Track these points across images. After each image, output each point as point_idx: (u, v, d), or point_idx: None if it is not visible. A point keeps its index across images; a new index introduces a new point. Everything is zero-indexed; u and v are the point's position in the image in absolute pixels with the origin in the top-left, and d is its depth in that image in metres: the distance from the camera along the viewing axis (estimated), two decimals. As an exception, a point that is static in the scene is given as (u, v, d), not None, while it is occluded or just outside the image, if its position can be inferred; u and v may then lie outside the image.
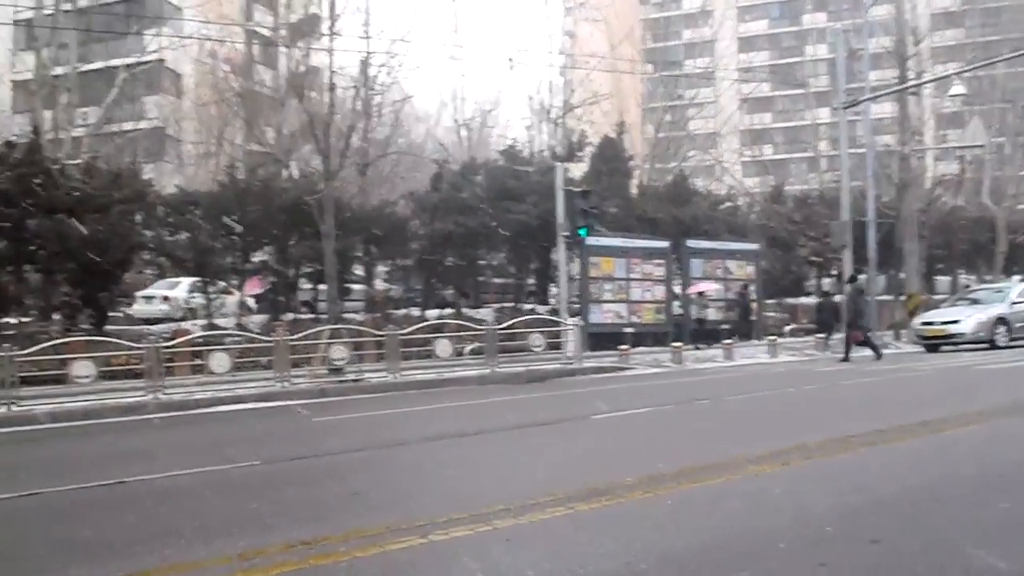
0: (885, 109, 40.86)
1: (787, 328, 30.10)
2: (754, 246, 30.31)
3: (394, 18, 48.21)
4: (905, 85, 29.82)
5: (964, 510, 5.43)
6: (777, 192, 38.46)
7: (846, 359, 19.99)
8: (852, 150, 29.98)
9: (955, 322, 22.18)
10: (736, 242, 30.11)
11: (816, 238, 32.48)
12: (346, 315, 24.70)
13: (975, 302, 23.48)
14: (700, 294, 26.79)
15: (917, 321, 23.99)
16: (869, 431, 8.31)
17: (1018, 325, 22.11)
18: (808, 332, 28.04)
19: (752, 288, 28.99)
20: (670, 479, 6.35)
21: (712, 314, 28.00)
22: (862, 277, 24.55)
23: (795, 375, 16.61)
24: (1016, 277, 31.33)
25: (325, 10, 25.89)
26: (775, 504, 5.64)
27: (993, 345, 21.42)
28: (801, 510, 5.45)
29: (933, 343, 22.47)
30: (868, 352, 20.34)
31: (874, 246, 27.83)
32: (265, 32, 34.16)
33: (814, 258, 33.89)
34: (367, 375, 17.28)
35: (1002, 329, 21.86)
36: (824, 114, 53.85)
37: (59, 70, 28.00)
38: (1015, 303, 22.48)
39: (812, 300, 31.81)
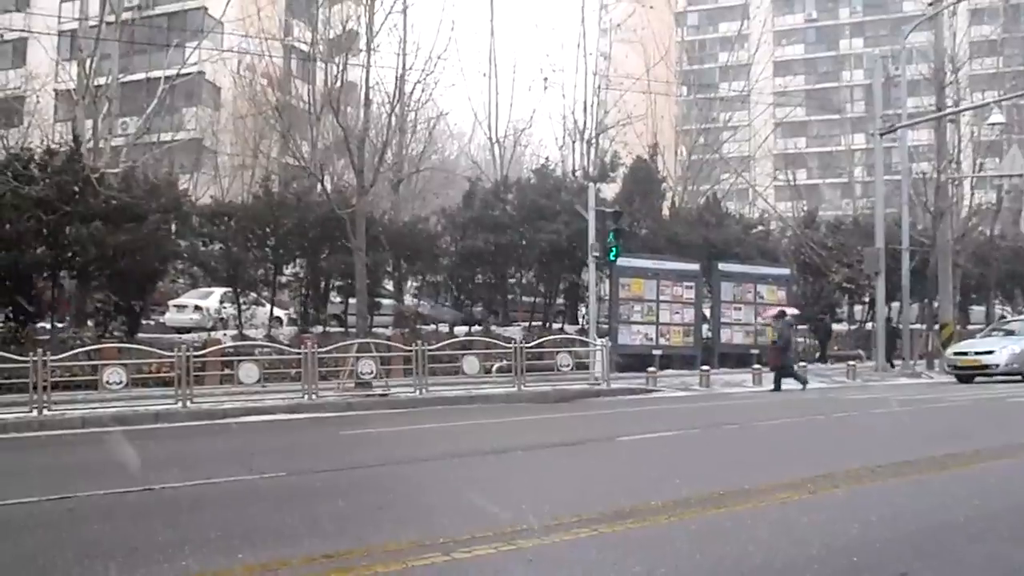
0: (922, 136, 40.52)
1: (817, 354, 29.84)
2: (786, 271, 30.10)
3: (431, 35, 48.53)
4: (943, 112, 29.57)
5: (994, 545, 5.34)
6: (810, 217, 38.18)
7: (777, 389, 19.85)
8: (887, 177, 29.78)
9: (989, 353, 21.92)
10: (768, 266, 29.90)
11: (849, 264, 32.19)
12: (375, 329, 24.79)
13: (1010, 333, 23.18)
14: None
15: (950, 351, 23.70)
16: (898, 461, 8.20)
17: None
18: (839, 359, 27.82)
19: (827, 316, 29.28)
20: (696, 504, 6.30)
21: (740, 338, 27.81)
22: (793, 311, 24.13)
23: (824, 402, 16.44)
24: None
25: (363, 27, 26.10)
26: (801, 533, 5.58)
27: None
28: (828, 540, 5.38)
29: (966, 374, 22.10)
30: (906, 380, 20.31)
31: (907, 274, 27.55)
32: (303, 47, 34.48)
33: (847, 284, 33.57)
34: (394, 390, 17.32)
35: None
36: (859, 140, 53.51)
37: (101, 80, 28.42)
38: None
39: (844, 327, 31.54)
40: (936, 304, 31.22)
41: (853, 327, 30.15)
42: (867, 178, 47.61)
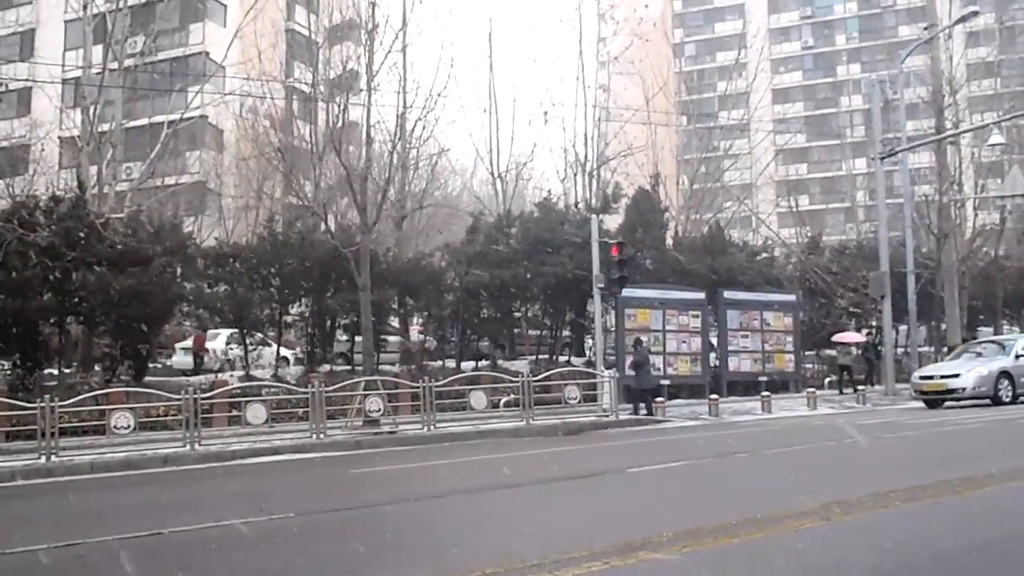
0: (923, 159, 40.64)
1: (826, 380, 29.73)
2: (791, 297, 30.05)
3: (431, 73, 49.00)
4: (942, 135, 29.69)
5: (1013, 570, 5.29)
6: (814, 243, 38.20)
7: (635, 413, 20.07)
8: (890, 200, 29.80)
9: (955, 376, 20.78)
10: (773, 293, 29.87)
11: (855, 289, 32.15)
12: (382, 366, 24.76)
13: (978, 355, 21.99)
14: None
15: (915, 375, 22.64)
16: (912, 486, 8.14)
17: (1023, 380, 20.71)
18: (847, 384, 27.73)
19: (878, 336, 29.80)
20: (708, 534, 6.25)
21: (748, 365, 27.74)
22: (647, 340, 24.43)
23: (834, 428, 16.32)
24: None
25: (363, 66, 26.37)
26: (815, 562, 5.53)
27: (996, 401, 20.09)
28: (842, 568, 5.33)
29: (933, 398, 21.08)
30: (918, 404, 20.29)
31: (913, 297, 27.53)
32: (304, 88, 34.82)
33: (853, 309, 33.51)
34: (402, 427, 17.27)
35: (1005, 384, 20.42)
36: (861, 164, 53.66)
37: (105, 126, 28.67)
38: (1020, 356, 21.01)
39: (853, 352, 31.43)
40: (943, 326, 31.13)
41: (860, 351, 30.19)
42: (869, 202, 47.76)
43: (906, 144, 27.94)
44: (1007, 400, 20.15)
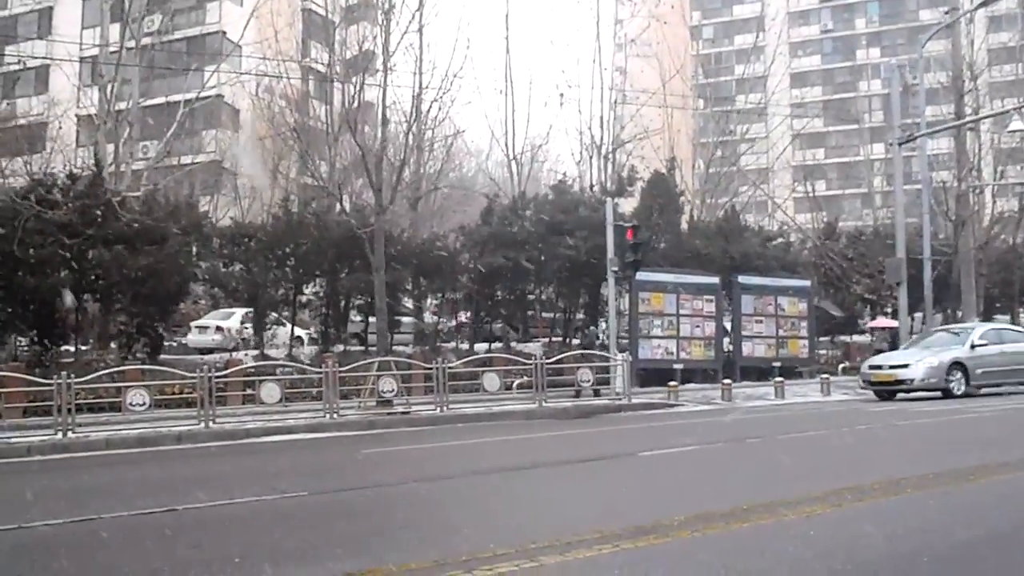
0: (941, 145, 40.34)
1: (840, 366, 29.65)
2: (806, 283, 29.92)
3: (447, 54, 48.78)
4: (962, 121, 29.43)
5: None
6: (830, 228, 38.02)
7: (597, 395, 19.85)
8: (907, 186, 29.64)
9: (904, 367, 19.70)
10: (788, 278, 29.76)
11: (870, 275, 32.02)
12: (395, 347, 24.84)
13: (932, 345, 20.85)
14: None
15: (865, 365, 21.56)
16: (925, 473, 8.12)
17: (979, 371, 19.59)
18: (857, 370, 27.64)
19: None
20: (719, 519, 6.26)
21: (762, 351, 27.68)
22: (593, 328, 24.91)
23: (847, 414, 16.30)
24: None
25: (379, 47, 26.32)
26: (827, 547, 5.53)
27: (947, 394, 19.10)
28: (853, 554, 5.32)
29: (884, 390, 19.97)
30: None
31: (930, 284, 27.36)
32: (320, 68, 34.79)
33: (868, 295, 33.38)
34: (415, 408, 17.32)
35: (958, 375, 19.31)
36: (878, 150, 53.23)
37: (122, 105, 28.75)
38: (976, 346, 19.93)
39: (866, 339, 31.41)
40: (960, 314, 30.95)
41: (874, 338, 30.21)
42: (887, 188, 47.42)
43: (925, 130, 27.71)
44: (959, 393, 19.08)
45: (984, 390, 19.80)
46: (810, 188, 43.61)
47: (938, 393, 19.20)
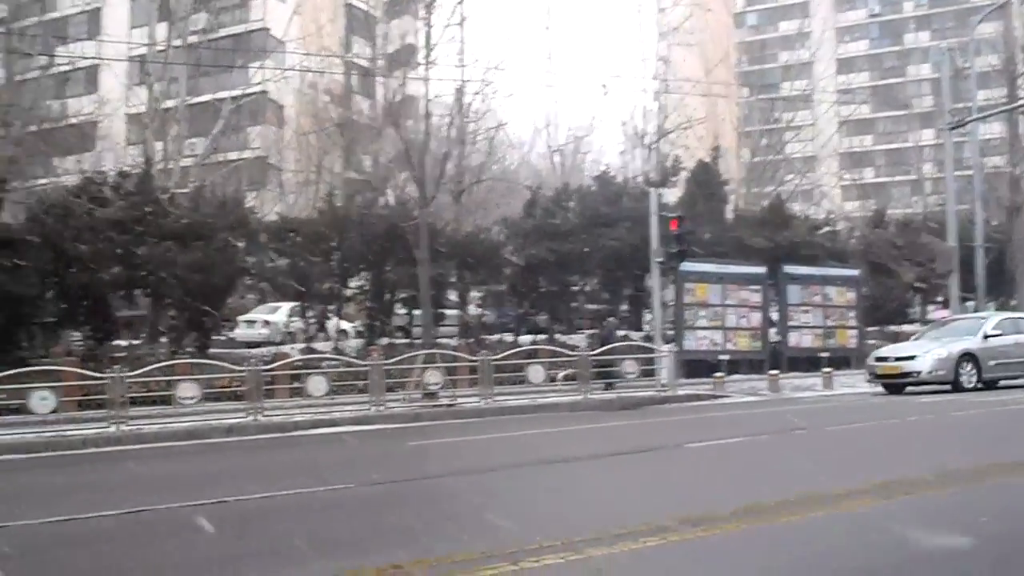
0: (994, 129, 39.43)
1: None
2: (855, 272, 29.48)
3: (489, 46, 48.88)
4: (1015, 104, 28.80)
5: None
6: (879, 216, 37.42)
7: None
8: (959, 172, 29.08)
9: (910, 358, 18.51)
10: (836, 267, 29.35)
11: (920, 263, 31.48)
12: (440, 340, 24.94)
13: (943, 336, 19.59)
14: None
15: (871, 356, 20.21)
16: (976, 467, 7.96)
17: (991, 363, 18.28)
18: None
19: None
20: (767, 511, 6.20)
21: (809, 341, 27.34)
22: (612, 320, 24.98)
23: (896, 405, 16.04)
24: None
25: (421, 40, 26.41)
26: (876, 540, 5.45)
27: (956, 387, 17.80)
28: (902, 548, 5.24)
29: (892, 383, 18.73)
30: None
31: (982, 272, 26.81)
32: (363, 63, 35.02)
33: (918, 284, 32.82)
34: (460, 400, 17.38)
35: (968, 368, 18.06)
36: (928, 135, 52.33)
37: (169, 103, 29.23)
38: (990, 336, 18.65)
39: (915, 327, 30.87)
40: (1014, 302, 30.33)
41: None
42: (937, 174, 46.54)
43: (977, 114, 27.13)
44: (969, 386, 17.87)
45: (1002, 382, 18.47)
46: (857, 176, 43.02)
47: (947, 386, 17.92)
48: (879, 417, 13.99)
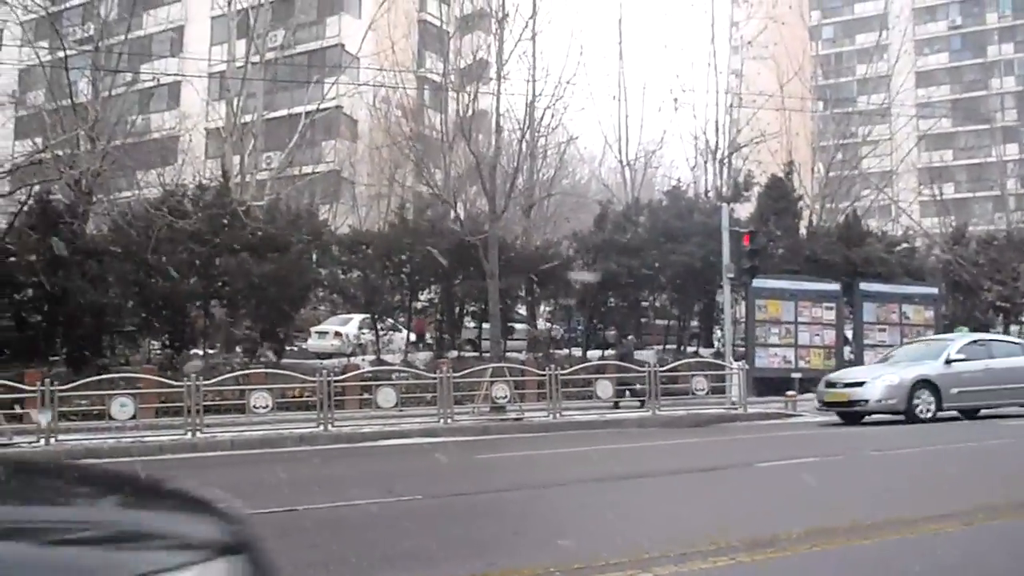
0: (1082, 144, 38.17)
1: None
2: (933, 290, 28.71)
3: (560, 61, 48.98)
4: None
5: None
6: (959, 233, 36.40)
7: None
8: (1044, 188, 28.11)
9: (859, 384, 16.63)
10: (913, 285, 28.63)
11: (1003, 281, 30.52)
12: (508, 354, 24.99)
13: (901, 360, 17.85)
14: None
15: (822, 382, 18.07)
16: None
17: (954, 391, 16.33)
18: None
19: None
20: (838, 533, 6.07)
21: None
22: (630, 338, 24.71)
23: (975, 427, 15.56)
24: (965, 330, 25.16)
25: (493, 55, 26.58)
26: (953, 567, 5.30)
27: (911, 417, 15.95)
28: (984, 572, 5.08)
29: (842, 411, 17.02)
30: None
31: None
32: (435, 78, 35.38)
33: (1001, 303, 31.82)
34: (528, 414, 17.39)
35: (925, 395, 16.14)
36: (1012, 150, 50.85)
37: (247, 118, 29.91)
38: (953, 361, 16.66)
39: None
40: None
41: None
42: (1021, 190, 45.11)
43: (1063, 128, 26.25)
44: (926, 416, 15.99)
45: (982, 412, 17.02)
46: (937, 191, 41.92)
47: (900, 417, 16.12)
48: (961, 440, 13.52)
